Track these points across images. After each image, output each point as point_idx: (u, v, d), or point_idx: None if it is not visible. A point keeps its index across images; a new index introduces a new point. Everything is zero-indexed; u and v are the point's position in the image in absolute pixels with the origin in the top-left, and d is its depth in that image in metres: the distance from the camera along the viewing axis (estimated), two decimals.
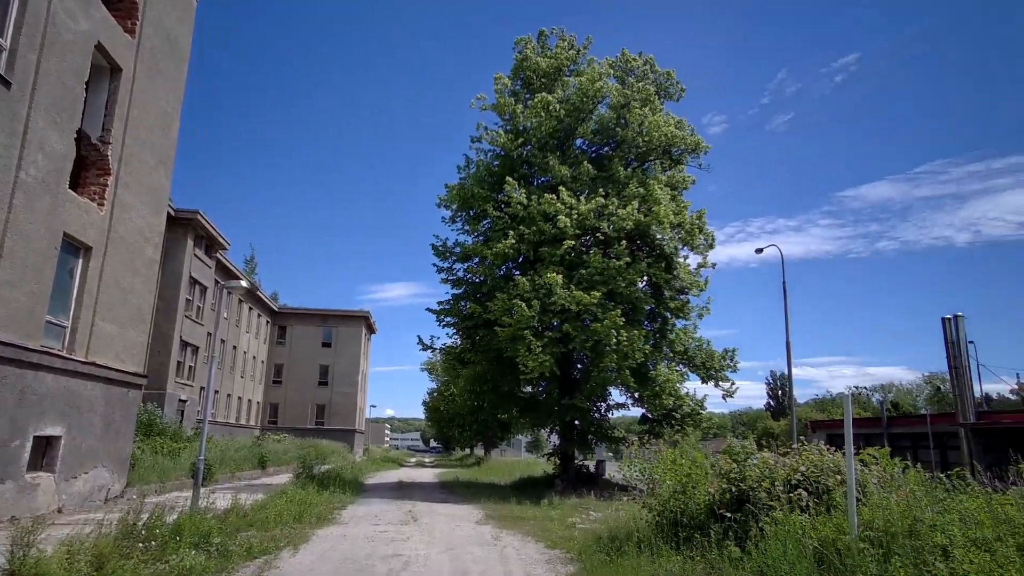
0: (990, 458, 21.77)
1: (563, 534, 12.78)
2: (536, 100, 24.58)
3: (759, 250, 28.33)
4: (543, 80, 26.48)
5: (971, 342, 24.84)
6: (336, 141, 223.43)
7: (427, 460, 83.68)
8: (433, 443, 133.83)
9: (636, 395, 23.58)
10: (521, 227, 22.87)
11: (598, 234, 22.85)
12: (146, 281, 18.38)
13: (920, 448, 26.98)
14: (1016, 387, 60.03)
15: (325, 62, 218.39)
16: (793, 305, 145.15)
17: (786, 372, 29.75)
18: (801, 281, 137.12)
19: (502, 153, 25.75)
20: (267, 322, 61.18)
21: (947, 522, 7.09)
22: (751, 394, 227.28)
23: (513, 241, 22.58)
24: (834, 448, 10.05)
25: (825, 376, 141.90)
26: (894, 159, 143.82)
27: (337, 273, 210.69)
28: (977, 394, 25.99)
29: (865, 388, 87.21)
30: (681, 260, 24.24)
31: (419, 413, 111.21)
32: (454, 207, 26.46)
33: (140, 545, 8.35)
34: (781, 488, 9.14)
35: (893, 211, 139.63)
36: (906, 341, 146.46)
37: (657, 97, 25.62)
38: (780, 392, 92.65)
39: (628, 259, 21.94)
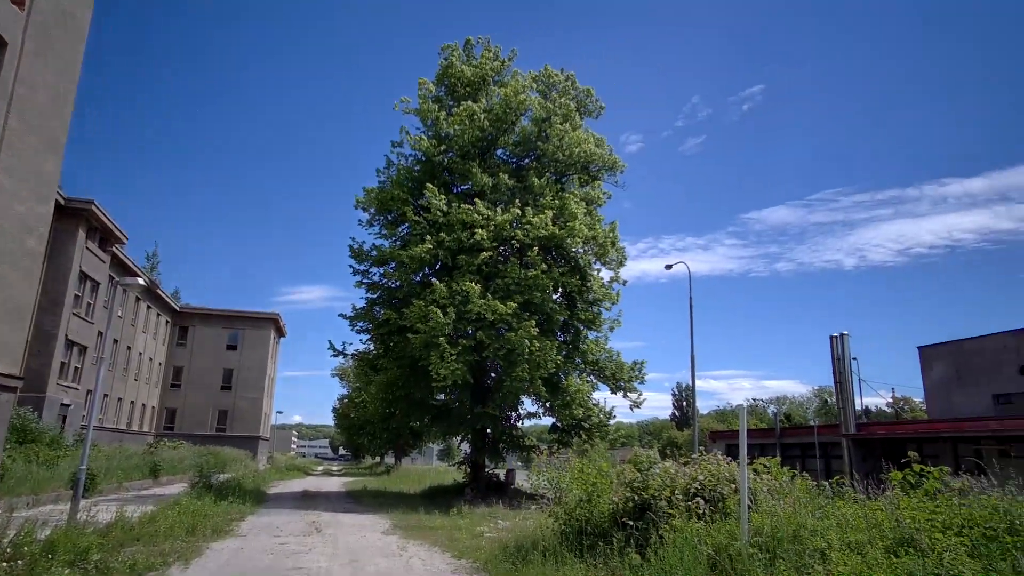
0: (867, 466, 23.56)
1: (471, 544, 12.74)
2: (461, 108, 24.62)
3: (668, 266, 29.52)
4: (467, 89, 26.56)
5: (855, 359, 26.84)
6: (253, 136, 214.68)
7: (335, 468, 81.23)
8: (342, 451, 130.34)
9: (547, 404, 23.93)
10: (441, 234, 22.79)
11: (514, 241, 23.08)
12: (27, 275, 16.89)
13: (808, 457, 28.77)
14: (891, 400, 65.30)
15: (243, 52, 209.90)
16: (698, 320, 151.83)
17: (690, 384, 31.05)
18: (707, 297, 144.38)
19: (423, 158, 25.59)
20: (167, 322, 57.67)
21: (826, 527, 7.61)
22: (658, 405, 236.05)
23: (431, 246, 22.47)
24: (731, 458, 10.55)
25: (726, 388, 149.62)
26: (793, 186, 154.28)
27: (250, 274, 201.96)
28: (858, 407, 28.06)
29: (762, 400, 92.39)
30: (594, 273, 24.89)
31: (329, 420, 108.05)
32: (372, 210, 26.02)
33: (4, 565, 7.62)
34: (681, 497, 9.51)
35: (791, 234, 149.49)
36: (799, 356, 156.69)
37: (578, 113, 26.27)
38: (684, 403, 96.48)
39: (543, 267, 22.30)
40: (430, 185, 23.51)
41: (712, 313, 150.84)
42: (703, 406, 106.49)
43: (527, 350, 20.92)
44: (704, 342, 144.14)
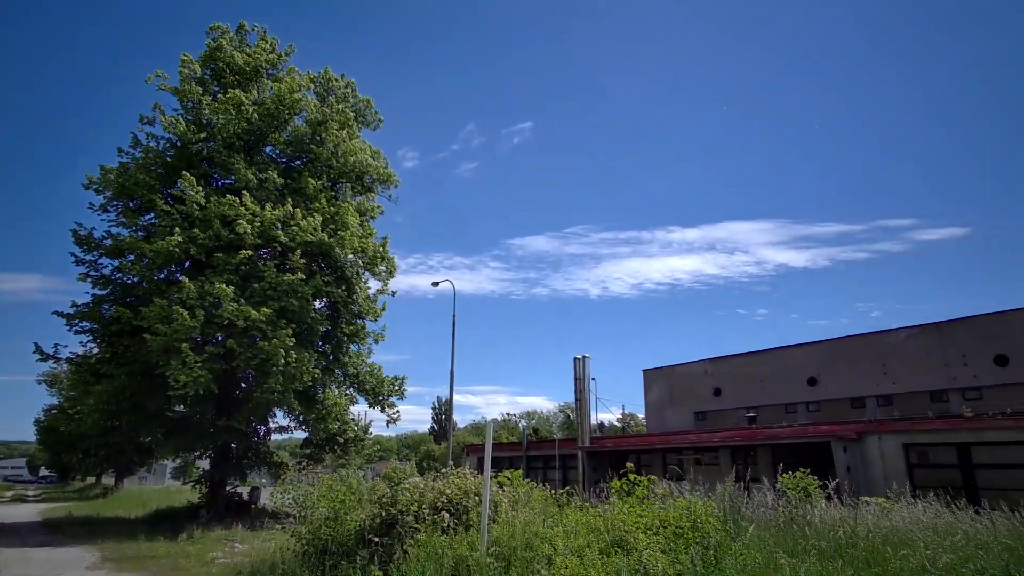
0: (596, 476, 26.43)
1: (199, 572, 11.60)
2: (228, 96, 22.69)
3: (436, 283, 30.24)
4: (237, 77, 24.61)
5: (594, 379, 30.01)
6: None
7: (30, 493, 67.52)
8: (45, 471, 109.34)
9: (301, 418, 22.82)
10: (195, 228, 20.62)
11: (276, 244, 21.73)
12: None
13: (550, 469, 31.31)
14: (621, 416, 74.13)
15: None
16: (461, 337, 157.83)
17: (449, 398, 31.99)
18: (471, 315, 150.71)
19: (179, 143, 23.03)
20: None
21: (554, 534, 8.39)
22: (418, 418, 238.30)
23: (181, 239, 20.18)
24: (479, 472, 11.08)
25: (483, 403, 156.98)
26: (552, 218, 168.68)
27: None
28: (595, 422, 31.36)
29: (514, 415, 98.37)
30: (362, 285, 24.50)
31: (29, 435, 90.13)
32: (109, 193, 22.66)
33: None
34: (428, 511, 9.75)
35: (548, 262, 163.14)
36: (550, 374, 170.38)
37: (356, 122, 25.82)
38: (444, 416, 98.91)
39: (301, 275, 21.17)
40: (187, 174, 21.21)
41: (475, 331, 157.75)
42: (461, 420, 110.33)
43: (282, 361, 19.75)
44: (465, 358, 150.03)
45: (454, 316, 28.14)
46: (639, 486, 10.53)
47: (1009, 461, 16.01)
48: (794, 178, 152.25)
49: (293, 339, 20.12)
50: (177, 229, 20.34)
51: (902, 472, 17.57)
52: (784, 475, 14.39)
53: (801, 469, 14.57)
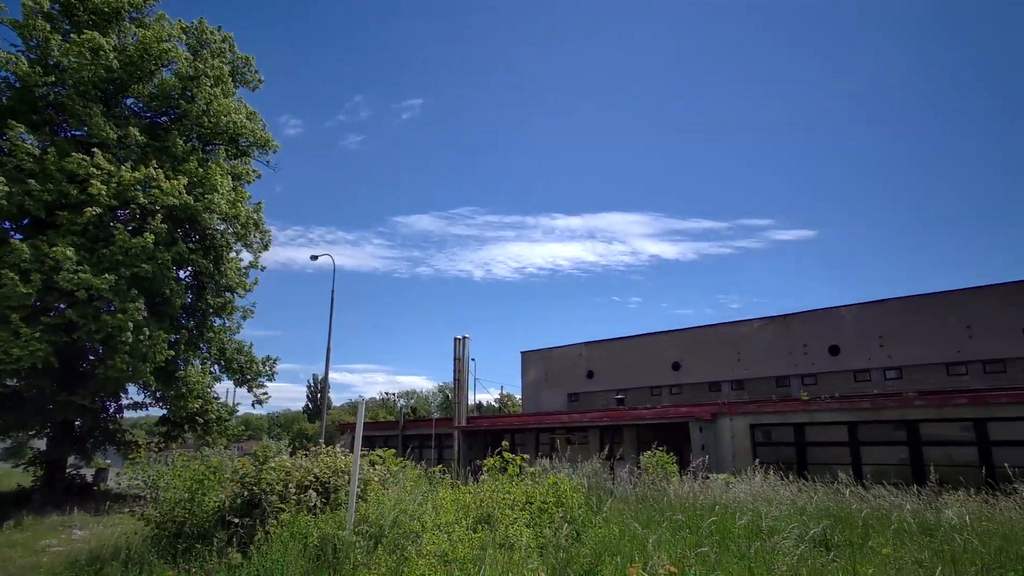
0: (472, 455, 26.80)
1: (26, 562, 10.54)
2: (82, 38, 20.32)
3: (315, 257, 29.25)
4: (93, 17, 22.09)
5: (473, 359, 30.35)
6: None
7: None
8: None
9: (158, 395, 21.19)
10: (31, 181, 18.37)
11: (134, 205, 19.85)
12: None
13: (426, 448, 31.36)
14: (499, 396, 75.54)
15: None
16: (341, 314, 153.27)
17: (326, 376, 31.04)
18: (352, 292, 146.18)
19: (19, 85, 20.39)
20: None
21: (423, 512, 8.42)
22: (293, 396, 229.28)
23: (8, 189, 17.83)
24: (350, 451, 10.87)
25: (361, 382, 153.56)
26: (438, 198, 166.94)
27: None
28: (474, 402, 31.70)
29: (393, 394, 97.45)
30: (233, 256, 23.06)
31: None
32: None
33: None
34: (294, 490, 9.43)
35: (432, 242, 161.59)
36: (430, 354, 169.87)
37: (232, 80, 24.09)
38: (319, 395, 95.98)
39: (166, 240, 19.56)
40: (13, 122, 18.79)
41: (355, 308, 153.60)
42: (338, 399, 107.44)
43: (131, 336, 18.09)
44: (344, 336, 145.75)
45: (332, 291, 27.28)
46: (512, 464, 10.80)
47: (834, 439, 18.04)
48: (669, 175, 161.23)
49: (145, 311, 18.48)
50: (2, 179, 17.94)
51: (748, 449, 19.29)
52: (646, 453, 15.39)
53: (662, 447, 15.64)
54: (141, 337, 18.30)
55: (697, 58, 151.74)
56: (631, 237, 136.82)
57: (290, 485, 9.51)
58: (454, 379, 29.12)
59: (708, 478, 13.15)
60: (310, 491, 9.39)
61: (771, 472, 13.78)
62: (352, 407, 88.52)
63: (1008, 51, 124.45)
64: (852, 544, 7.94)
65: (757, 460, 18.36)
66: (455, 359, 28.54)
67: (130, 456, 15.80)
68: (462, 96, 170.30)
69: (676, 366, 34.72)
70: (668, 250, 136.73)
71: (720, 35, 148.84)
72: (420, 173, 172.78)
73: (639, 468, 14.91)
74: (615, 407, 29.35)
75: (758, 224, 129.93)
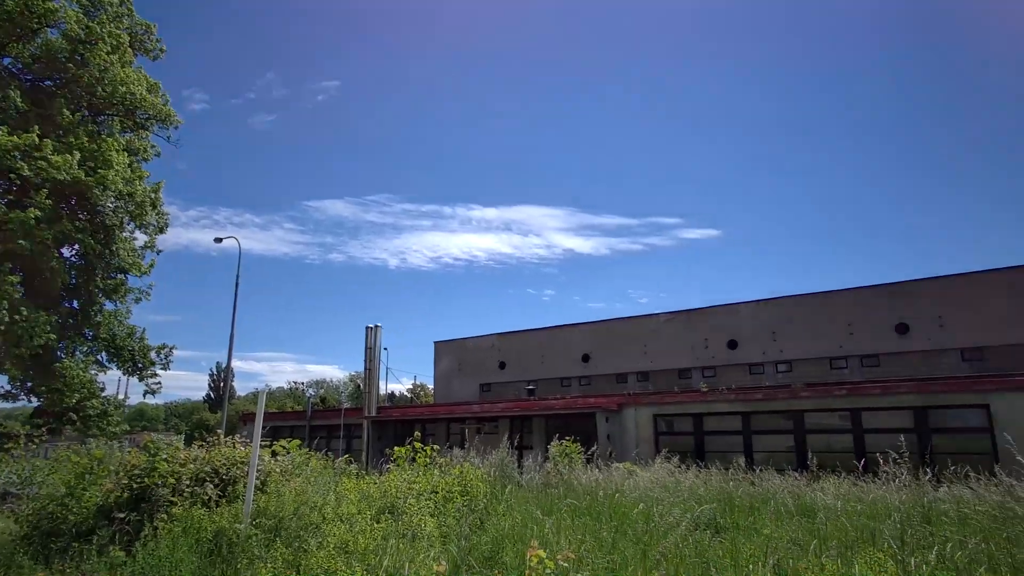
0: (382, 445, 26.48)
1: None
2: None
3: (219, 239, 27.74)
4: None
5: (385, 348, 29.91)
6: None
7: None
8: None
9: (29, 385, 19.48)
10: None
11: (13, 176, 18.12)
12: None
13: (334, 438, 30.69)
14: (412, 387, 74.88)
15: None
16: (248, 300, 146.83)
17: (229, 364, 29.71)
18: (260, 278, 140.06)
19: None
20: None
21: (325, 503, 8.26)
22: (193, 384, 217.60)
23: None
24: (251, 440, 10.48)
25: (268, 370, 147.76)
26: (353, 183, 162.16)
27: None
28: (385, 392, 31.24)
29: (303, 383, 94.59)
30: (126, 235, 21.55)
31: None
32: None
33: None
34: (189, 483, 9.01)
35: (346, 228, 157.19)
36: (342, 344, 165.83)
37: (131, 48, 22.46)
38: (222, 384, 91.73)
39: (49, 217, 18.00)
40: None
41: (263, 294, 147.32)
42: (243, 388, 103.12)
43: (5, 314, 16.56)
44: (251, 323, 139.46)
45: (238, 276, 26.08)
46: (422, 454, 10.77)
47: (730, 428, 19.12)
48: (584, 171, 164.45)
49: (20, 291, 16.98)
50: None
51: (651, 439, 20.12)
52: (554, 443, 15.77)
53: (571, 437, 16.06)
54: (17, 317, 16.80)
55: (611, 57, 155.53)
56: (546, 231, 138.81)
57: (184, 477, 9.08)
58: (365, 368, 28.64)
59: (611, 466, 13.63)
60: (206, 483, 9.01)
61: (672, 460, 14.47)
62: (258, 397, 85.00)
63: (903, 51, 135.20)
64: (739, 525, 8.49)
65: (659, 449, 19.20)
66: (367, 348, 28.07)
67: (5, 447, 14.52)
68: (381, 81, 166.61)
69: (586, 358, 35.63)
70: (582, 245, 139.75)
71: (637, 34, 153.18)
72: (335, 157, 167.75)
73: (545, 457, 15.25)
74: (526, 398, 29.81)
75: (668, 222, 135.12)
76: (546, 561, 4.82)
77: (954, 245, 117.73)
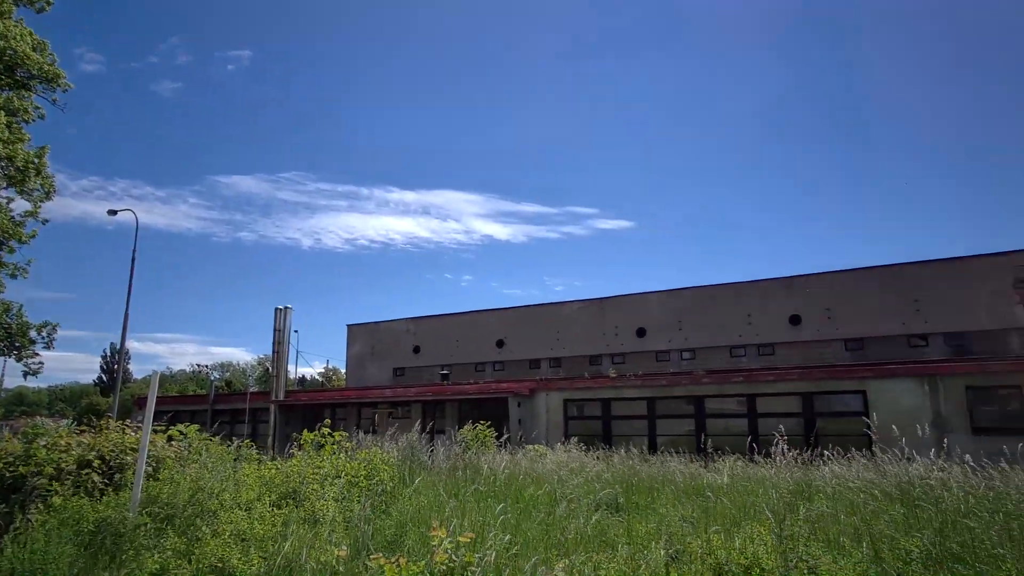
0: (289, 430, 25.72)
1: None
2: None
3: (113, 212, 25.92)
4: None
5: (296, 331, 29.01)
6: None
7: None
8: None
9: None
10: None
11: None
12: None
13: (238, 423, 29.54)
14: (324, 370, 73.03)
15: None
16: (147, 278, 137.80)
17: (123, 345, 27.91)
18: (161, 254, 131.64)
19: None
20: None
21: (223, 489, 7.95)
22: (84, 367, 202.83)
23: None
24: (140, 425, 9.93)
25: (168, 352, 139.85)
26: (264, 159, 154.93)
27: None
28: (296, 376, 30.28)
29: (207, 366, 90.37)
30: (2, 201, 19.72)
31: None
32: None
33: None
34: (72, 470, 8.44)
35: (257, 205, 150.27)
36: (251, 325, 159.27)
37: (12, 1, 20.41)
38: (116, 366, 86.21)
39: None
40: None
41: (164, 272, 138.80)
42: (139, 371, 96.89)
43: None
44: (150, 302, 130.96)
45: (134, 251, 24.51)
46: (330, 439, 10.53)
47: (636, 413, 19.86)
48: (504, 158, 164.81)
49: None
50: None
51: (562, 423, 20.60)
52: (467, 427, 15.84)
53: (483, 421, 16.19)
54: None
55: (541, 45, 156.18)
56: (465, 216, 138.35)
57: (66, 465, 8.49)
58: (273, 351, 27.69)
59: (522, 450, 13.87)
60: (89, 471, 8.46)
61: (580, 443, 14.89)
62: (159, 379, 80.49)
63: (830, 47, 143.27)
64: (639, 506, 8.87)
65: (569, 433, 19.69)
66: (275, 330, 27.13)
67: None
68: (296, 53, 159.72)
69: (500, 343, 35.95)
70: (501, 231, 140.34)
71: (563, 23, 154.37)
72: (245, 131, 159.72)
73: (457, 441, 15.30)
74: (439, 382, 29.75)
75: (584, 212, 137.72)
76: (445, 543, 4.86)
77: (845, 243, 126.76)
